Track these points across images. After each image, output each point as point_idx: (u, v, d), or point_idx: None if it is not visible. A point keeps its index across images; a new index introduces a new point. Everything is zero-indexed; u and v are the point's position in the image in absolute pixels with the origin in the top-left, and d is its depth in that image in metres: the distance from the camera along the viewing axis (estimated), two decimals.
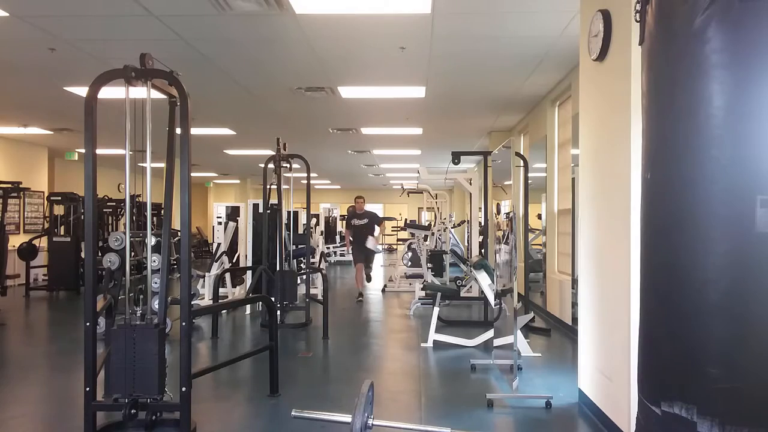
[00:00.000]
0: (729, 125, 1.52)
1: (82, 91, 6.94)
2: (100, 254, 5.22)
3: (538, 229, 8.95)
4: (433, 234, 11.39)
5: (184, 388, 3.21)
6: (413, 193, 14.40)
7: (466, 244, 14.13)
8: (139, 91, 3.32)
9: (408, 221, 18.79)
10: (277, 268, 7.01)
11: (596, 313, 3.82)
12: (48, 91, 7.26)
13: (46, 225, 10.53)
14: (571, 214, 6.46)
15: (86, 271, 3.27)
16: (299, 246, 8.03)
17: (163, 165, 3.61)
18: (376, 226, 9.82)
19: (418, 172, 12.80)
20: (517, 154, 8.37)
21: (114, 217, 12.02)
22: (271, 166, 6.93)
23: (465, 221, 15.24)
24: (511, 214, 5.00)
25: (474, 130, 10.47)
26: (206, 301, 7.94)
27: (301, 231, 9.81)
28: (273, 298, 6.36)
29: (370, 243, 9.63)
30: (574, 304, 6.01)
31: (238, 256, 8.95)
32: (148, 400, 3.27)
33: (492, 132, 10.52)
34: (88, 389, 3.20)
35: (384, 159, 14.68)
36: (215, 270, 8.38)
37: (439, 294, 6.43)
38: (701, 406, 1.53)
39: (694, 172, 1.56)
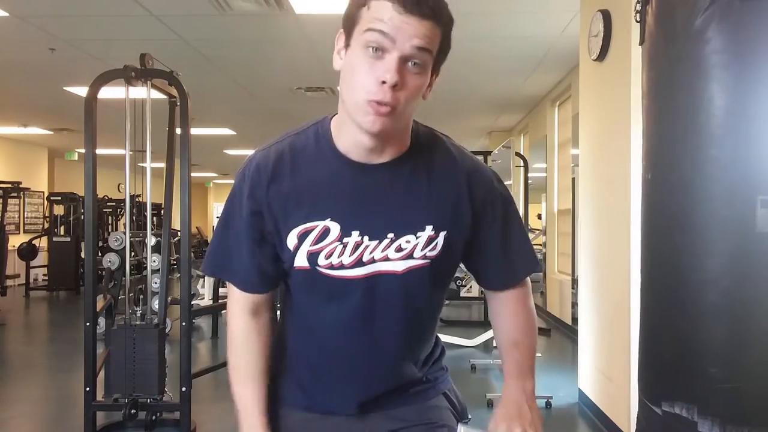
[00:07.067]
0: (729, 125, 1.51)
1: (82, 91, 6.92)
2: (100, 254, 5.22)
3: (538, 229, 8.94)
4: None
5: (184, 388, 3.21)
6: None
7: None
8: (139, 91, 3.32)
9: None
10: None
11: (596, 313, 3.82)
12: (48, 91, 7.25)
13: (46, 225, 10.52)
14: (571, 214, 6.46)
15: (86, 271, 3.27)
16: None
17: (163, 165, 3.61)
18: None
19: None
20: (517, 154, 8.38)
21: (114, 217, 12.01)
22: None
23: None
24: None
25: (474, 130, 10.46)
26: (206, 301, 7.94)
27: None
28: None
29: None
30: (574, 304, 6.00)
31: None
32: (148, 400, 3.27)
33: (492, 132, 10.51)
34: (88, 389, 3.20)
35: None
36: None
37: None
38: (702, 406, 1.53)
39: (694, 172, 1.56)
